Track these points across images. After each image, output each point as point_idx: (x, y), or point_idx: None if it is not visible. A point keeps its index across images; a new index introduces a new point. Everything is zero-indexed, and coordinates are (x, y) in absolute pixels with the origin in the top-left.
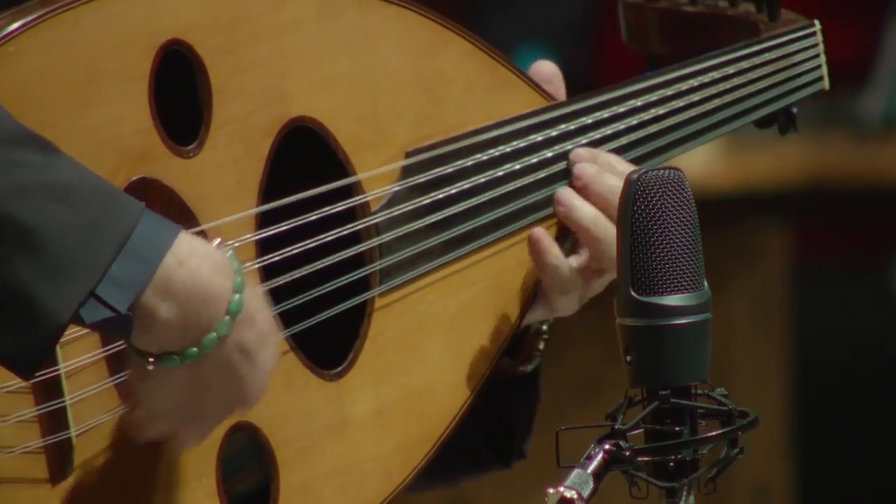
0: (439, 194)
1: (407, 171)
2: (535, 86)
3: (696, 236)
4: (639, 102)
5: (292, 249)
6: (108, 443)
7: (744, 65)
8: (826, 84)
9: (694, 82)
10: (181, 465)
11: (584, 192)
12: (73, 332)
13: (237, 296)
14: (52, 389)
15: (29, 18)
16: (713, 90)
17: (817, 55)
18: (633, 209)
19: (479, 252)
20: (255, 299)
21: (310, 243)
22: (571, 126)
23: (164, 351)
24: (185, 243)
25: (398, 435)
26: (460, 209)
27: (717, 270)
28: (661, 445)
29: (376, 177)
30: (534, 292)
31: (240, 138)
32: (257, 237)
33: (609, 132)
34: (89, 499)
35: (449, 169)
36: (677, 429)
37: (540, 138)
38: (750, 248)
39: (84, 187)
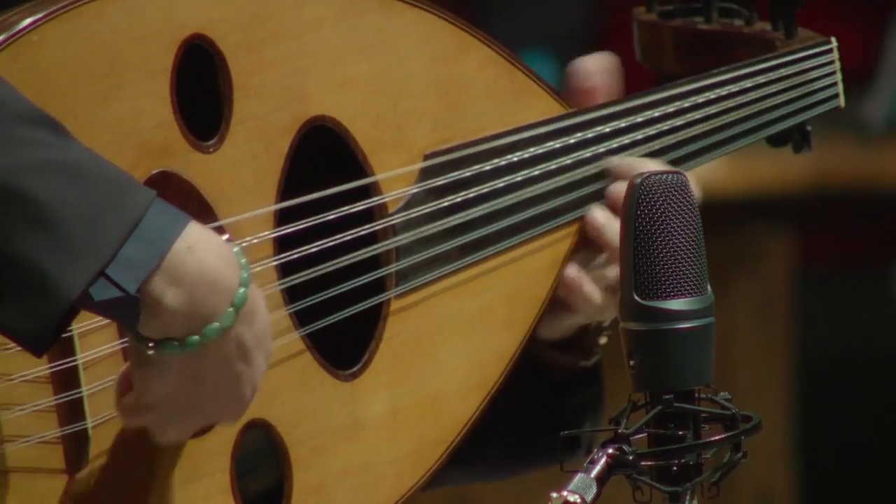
0: (457, 198)
1: (425, 174)
2: (555, 93)
3: (700, 240)
4: (656, 113)
5: (309, 248)
6: (124, 436)
7: (761, 79)
8: (842, 101)
9: (711, 95)
10: (195, 461)
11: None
12: (90, 323)
13: (242, 289)
14: (69, 380)
15: (53, 8)
16: (730, 103)
17: (833, 72)
18: (636, 213)
19: (495, 257)
20: (258, 299)
21: (327, 243)
22: (589, 134)
23: (165, 337)
24: (195, 232)
25: (411, 437)
26: (478, 213)
27: (720, 274)
28: (664, 450)
29: (394, 178)
30: (549, 299)
31: (259, 135)
32: (275, 235)
33: (626, 142)
34: (104, 490)
35: (467, 173)
36: (681, 433)
37: (558, 145)
38: (753, 253)
39: (96, 170)
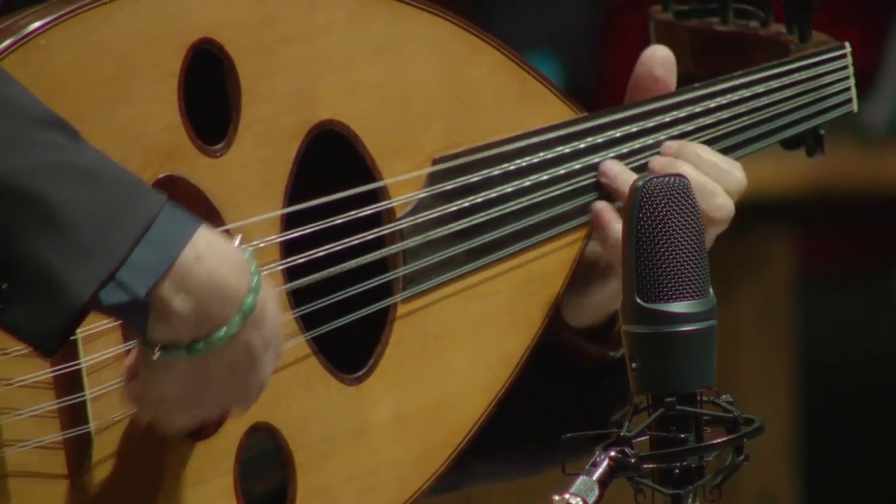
0: (465, 202)
1: (433, 179)
2: (564, 97)
3: (702, 243)
4: (667, 118)
5: (316, 252)
6: (127, 440)
7: (774, 84)
8: (855, 107)
9: (723, 100)
10: (200, 464)
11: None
12: (94, 327)
13: (251, 296)
14: (72, 384)
15: (61, 12)
16: (742, 108)
17: (847, 77)
18: (638, 216)
19: (503, 261)
20: (269, 302)
21: (334, 247)
22: (599, 139)
23: (172, 342)
24: (205, 238)
25: (417, 441)
26: (486, 218)
27: (723, 277)
28: (666, 452)
29: (402, 183)
30: (557, 304)
31: (267, 140)
32: (282, 238)
33: (637, 146)
34: (107, 494)
35: (475, 178)
36: (683, 436)
37: (568, 150)
38: (755, 255)
39: (108, 173)
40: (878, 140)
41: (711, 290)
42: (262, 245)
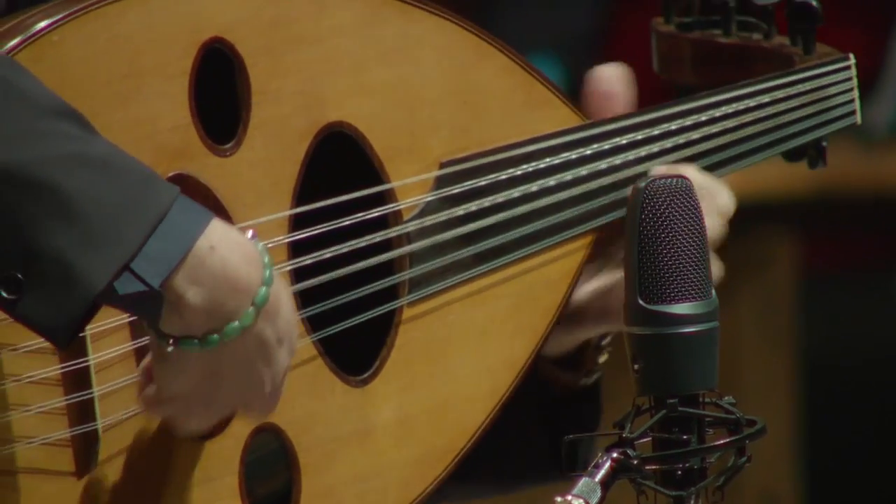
0: (472, 206)
1: (440, 182)
2: (569, 103)
3: (704, 245)
4: (673, 126)
5: (323, 254)
6: (134, 438)
7: (778, 94)
8: (858, 118)
9: (728, 109)
10: (205, 464)
11: None
12: (103, 324)
13: (264, 288)
14: (81, 382)
15: (74, 9)
16: (747, 118)
17: (851, 89)
18: (640, 217)
19: (509, 266)
20: (283, 297)
21: (341, 249)
22: (606, 145)
23: (185, 335)
24: (218, 230)
25: (421, 444)
26: (492, 222)
27: (725, 279)
28: (668, 454)
29: (410, 186)
30: (562, 309)
31: (276, 140)
32: (290, 239)
33: (643, 154)
34: (113, 492)
35: (482, 182)
36: (685, 437)
37: (574, 156)
38: (757, 257)
39: (121, 164)
40: (879, 142)
41: (714, 291)
42: (269, 245)
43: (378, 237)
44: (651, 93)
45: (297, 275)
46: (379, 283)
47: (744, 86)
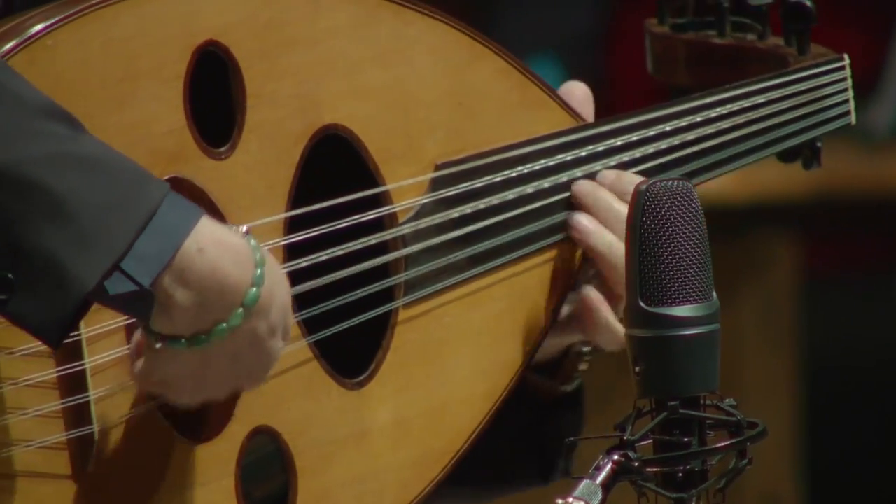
0: (467, 208)
1: (436, 184)
2: (566, 105)
3: (705, 247)
4: (668, 127)
5: (319, 256)
6: (130, 441)
7: (773, 95)
8: (853, 119)
9: (723, 110)
10: (201, 466)
11: (597, 216)
12: (98, 327)
13: (254, 289)
14: (77, 385)
15: (69, 12)
16: (742, 118)
17: (845, 89)
18: (641, 220)
19: (504, 268)
20: (275, 288)
21: (336, 251)
22: (600, 147)
23: (174, 334)
24: (207, 229)
25: (417, 447)
26: (487, 224)
27: (726, 281)
28: (669, 456)
29: (405, 188)
30: (557, 311)
31: (271, 143)
32: (285, 242)
33: (637, 155)
34: (109, 495)
35: (478, 184)
36: (686, 439)
37: (569, 158)
38: (758, 259)
39: (111, 162)
40: (880, 143)
41: (715, 293)
42: (265, 248)
43: (374, 239)
44: (647, 94)
45: (293, 278)
46: (375, 285)
47: (738, 86)
